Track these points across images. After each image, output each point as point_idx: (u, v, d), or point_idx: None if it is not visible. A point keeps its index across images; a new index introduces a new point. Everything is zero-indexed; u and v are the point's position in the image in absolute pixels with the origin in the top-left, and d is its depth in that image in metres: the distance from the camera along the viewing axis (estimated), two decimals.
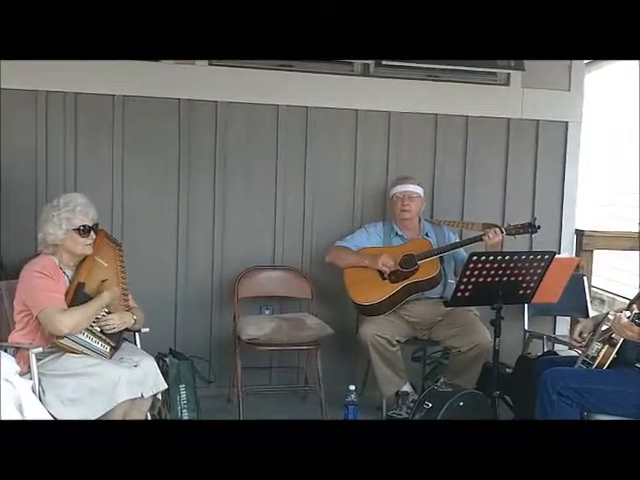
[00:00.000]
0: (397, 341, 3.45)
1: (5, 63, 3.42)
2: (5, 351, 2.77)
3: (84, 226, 2.83)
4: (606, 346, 2.72)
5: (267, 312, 3.84)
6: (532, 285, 3.09)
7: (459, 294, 3.05)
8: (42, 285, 2.76)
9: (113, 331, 2.85)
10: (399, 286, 3.48)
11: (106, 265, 2.94)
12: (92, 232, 2.86)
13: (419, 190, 3.68)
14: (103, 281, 2.88)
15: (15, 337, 2.83)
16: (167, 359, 3.34)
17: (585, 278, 4.06)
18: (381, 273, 3.51)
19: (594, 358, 2.74)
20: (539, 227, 3.49)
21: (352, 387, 3.33)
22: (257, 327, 3.49)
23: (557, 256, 3.15)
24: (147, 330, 3.05)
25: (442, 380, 3.17)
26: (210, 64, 3.73)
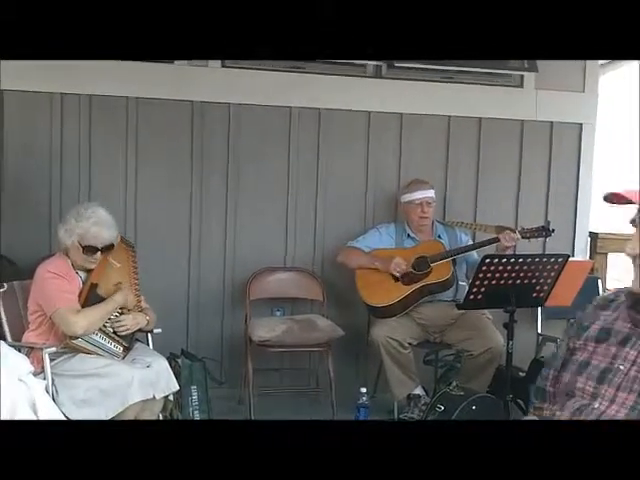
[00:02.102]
0: (409, 343, 3.44)
1: (21, 66, 3.47)
2: (19, 351, 2.80)
3: (91, 247, 2.82)
4: None
5: (278, 313, 3.85)
6: (545, 288, 3.07)
7: (472, 297, 3.03)
8: (55, 285, 2.78)
9: (126, 332, 2.86)
10: (412, 288, 3.47)
11: (119, 266, 2.95)
12: (98, 253, 2.84)
13: (434, 194, 3.67)
14: (117, 284, 2.89)
15: (29, 337, 2.85)
16: (179, 360, 3.35)
17: (599, 281, 4.03)
18: (393, 275, 3.50)
19: None
20: (553, 231, 3.47)
21: (363, 389, 3.32)
22: (268, 328, 3.49)
23: (571, 259, 3.13)
24: (159, 331, 3.06)
25: (454, 383, 3.16)
26: (223, 66, 3.74)
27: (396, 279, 3.50)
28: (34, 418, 2.52)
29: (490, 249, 3.46)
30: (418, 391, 3.48)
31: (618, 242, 4.33)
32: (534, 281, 3.02)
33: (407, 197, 3.65)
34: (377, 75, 3.95)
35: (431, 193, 3.64)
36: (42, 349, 2.72)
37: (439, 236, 3.68)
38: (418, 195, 3.61)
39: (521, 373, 3.51)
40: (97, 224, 2.83)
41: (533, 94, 4.09)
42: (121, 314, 2.88)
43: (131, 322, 2.88)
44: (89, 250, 2.82)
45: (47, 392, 2.64)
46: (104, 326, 2.81)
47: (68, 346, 2.77)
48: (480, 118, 4.05)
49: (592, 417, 1.51)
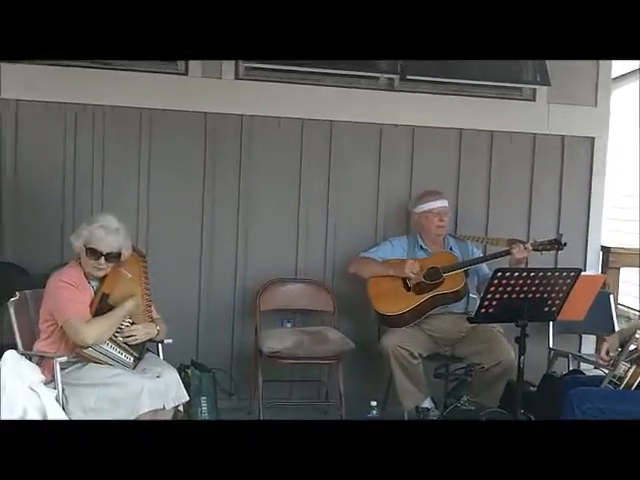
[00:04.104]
0: (419, 354, 3.42)
1: (35, 76, 3.50)
2: (30, 360, 2.80)
3: (95, 250, 2.82)
4: (634, 366, 2.67)
5: (289, 325, 3.84)
6: (557, 302, 3.04)
7: (483, 310, 3.01)
8: (67, 295, 2.79)
9: (136, 342, 2.86)
10: (423, 298, 3.46)
11: (130, 276, 2.96)
12: (102, 259, 2.83)
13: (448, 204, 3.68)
14: (131, 296, 2.89)
15: (40, 346, 2.85)
16: (189, 371, 3.35)
17: (611, 296, 4.00)
18: (406, 284, 3.49)
19: (621, 378, 2.70)
20: (565, 244, 3.45)
21: (373, 403, 3.30)
22: (278, 340, 3.48)
23: (583, 273, 3.11)
24: (170, 341, 3.06)
25: (465, 398, 3.13)
26: (236, 78, 3.77)
27: (408, 288, 3.49)
28: None
29: (502, 262, 3.44)
30: (427, 404, 3.45)
31: (630, 257, 4.31)
32: (546, 295, 3.00)
33: (424, 207, 3.63)
34: (389, 88, 3.95)
35: (446, 203, 3.65)
36: (53, 358, 2.72)
37: (450, 248, 3.67)
38: (437, 204, 3.61)
39: (532, 388, 3.48)
40: (102, 227, 2.84)
41: (545, 108, 4.09)
42: (132, 324, 2.88)
43: (142, 332, 2.88)
44: (93, 253, 2.82)
45: (57, 401, 2.65)
46: (115, 336, 2.81)
47: (79, 355, 2.77)
48: (492, 131, 4.05)
49: None
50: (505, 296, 2.94)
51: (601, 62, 4.12)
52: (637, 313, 6.22)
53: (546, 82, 3.99)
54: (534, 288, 2.95)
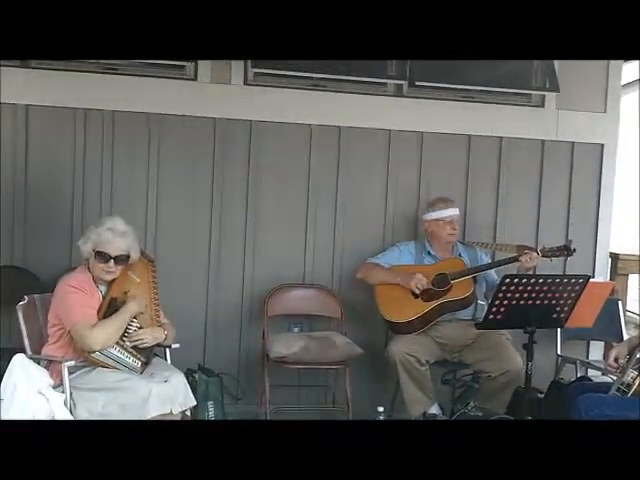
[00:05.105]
0: (426, 361, 3.41)
1: (45, 81, 3.53)
2: (38, 363, 2.82)
3: (103, 254, 2.84)
4: None
5: (296, 330, 3.84)
6: (566, 309, 3.03)
7: (491, 317, 3.00)
8: (76, 300, 2.80)
9: (144, 346, 2.87)
10: (431, 305, 3.45)
11: (139, 281, 2.97)
12: (112, 262, 2.84)
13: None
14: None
15: (48, 350, 2.87)
16: (196, 375, 3.35)
17: (620, 302, 3.98)
18: (413, 291, 3.49)
19: (629, 385, 2.69)
20: (575, 250, 3.43)
21: (380, 408, 3.29)
22: (286, 345, 3.49)
23: (592, 280, 3.10)
24: (177, 346, 3.07)
25: (472, 404, 3.13)
26: (245, 83, 3.78)
27: (416, 295, 3.48)
28: None
29: (511, 268, 3.44)
30: (434, 410, 3.45)
31: (638, 263, 4.29)
32: (554, 302, 2.98)
33: (436, 214, 3.63)
34: (398, 94, 3.96)
35: (457, 211, 3.66)
36: (61, 362, 2.73)
37: (459, 254, 3.66)
38: (449, 212, 3.61)
39: (540, 394, 3.47)
40: (110, 230, 2.86)
41: (554, 114, 4.08)
42: (140, 328, 2.89)
43: (150, 336, 2.89)
44: (101, 257, 2.83)
45: (65, 405, 2.66)
46: (122, 340, 2.82)
47: (87, 360, 2.78)
48: (501, 137, 4.04)
49: None
50: (513, 302, 2.94)
51: (610, 68, 4.11)
52: None
53: (555, 88, 3.98)
54: (542, 295, 2.94)
